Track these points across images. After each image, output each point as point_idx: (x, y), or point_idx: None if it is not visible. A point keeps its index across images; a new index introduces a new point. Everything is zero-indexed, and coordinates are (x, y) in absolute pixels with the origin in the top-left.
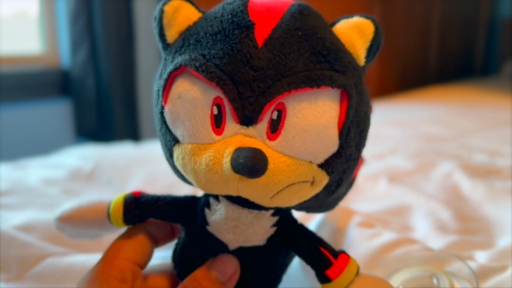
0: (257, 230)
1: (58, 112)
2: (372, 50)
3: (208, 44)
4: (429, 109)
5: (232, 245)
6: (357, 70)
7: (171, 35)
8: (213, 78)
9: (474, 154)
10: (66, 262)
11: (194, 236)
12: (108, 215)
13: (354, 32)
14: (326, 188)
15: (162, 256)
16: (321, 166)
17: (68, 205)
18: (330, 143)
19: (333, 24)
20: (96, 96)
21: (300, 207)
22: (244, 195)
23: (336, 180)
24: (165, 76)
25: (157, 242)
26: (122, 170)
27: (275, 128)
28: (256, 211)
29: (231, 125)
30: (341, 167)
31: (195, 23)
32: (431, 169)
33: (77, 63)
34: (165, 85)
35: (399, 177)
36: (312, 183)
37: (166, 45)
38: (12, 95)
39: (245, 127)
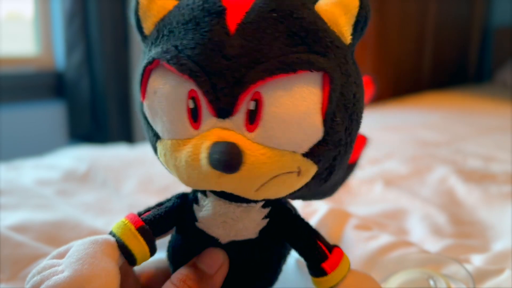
0: (247, 224)
1: (52, 114)
2: (358, 25)
3: (180, 34)
4: (424, 115)
5: (224, 240)
6: (342, 50)
7: (147, 26)
8: (185, 70)
9: (468, 159)
10: None
11: (185, 233)
12: (133, 261)
13: (337, 8)
14: (316, 176)
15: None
16: (306, 155)
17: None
18: (313, 131)
19: (316, 1)
20: (90, 98)
21: (293, 196)
22: (228, 190)
23: (327, 167)
24: (140, 70)
25: None
26: (117, 171)
27: (253, 119)
28: (244, 205)
29: (208, 118)
30: (330, 154)
31: (169, 12)
32: (426, 173)
33: (71, 65)
34: (141, 80)
35: (395, 181)
36: (299, 173)
37: (144, 38)
38: (5, 96)
39: (221, 119)
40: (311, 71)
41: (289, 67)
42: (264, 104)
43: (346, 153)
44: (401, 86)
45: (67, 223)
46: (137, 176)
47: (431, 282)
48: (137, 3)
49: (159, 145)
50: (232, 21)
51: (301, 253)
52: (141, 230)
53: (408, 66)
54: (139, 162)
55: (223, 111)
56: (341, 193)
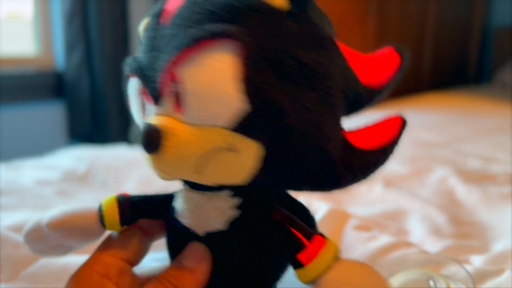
0: (211, 213)
1: (51, 114)
2: None
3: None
4: (424, 116)
5: (199, 231)
6: (263, 14)
7: None
8: (131, 70)
9: (468, 159)
10: (60, 262)
11: (169, 226)
12: (101, 218)
13: None
14: (270, 156)
15: (162, 257)
16: (234, 129)
17: (53, 212)
18: (231, 101)
19: None
20: (90, 98)
21: (264, 182)
22: (170, 174)
23: (279, 144)
24: (125, 84)
25: (151, 235)
26: (117, 171)
27: (179, 100)
28: (208, 193)
29: (149, 108)
30: (268, 125)
31: None
32: (426, 174)
33: (71, 65)
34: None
35: (395, 182)
36: (233, 149)
37: None
38: (5, 96)
39: (156, 106)
40: (217, 40)
41: (192, 41)
42: (182, 83)
43: (305, 124)
44: (401, 86)
45: None
46: (137, 176)
47: (431, 283)
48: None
49: None
50: (165, 16)
51: (277, 244)
52: (118, 198)
53: (408, 67)
54: (139, 163)
55: (155, 98)
56: (341, 193)
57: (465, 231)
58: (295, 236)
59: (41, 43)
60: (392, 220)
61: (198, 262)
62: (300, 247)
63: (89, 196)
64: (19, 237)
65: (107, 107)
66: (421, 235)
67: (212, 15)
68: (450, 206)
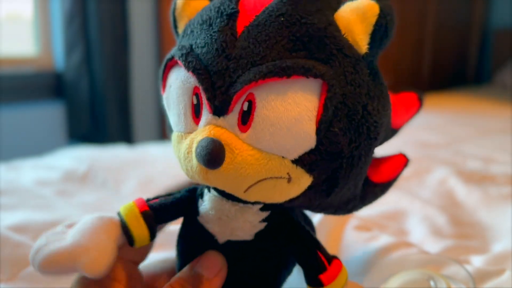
0: (241, 224)
1: (51, 115)
2: (376, 35)
3: (196, 34)
4: (423, 117)
5: (221, 238)
6: (351, 58)
7: (181, 26)
8: (189, 67)
9: (468, 160)
10: None
11: (187, 226)
12: (132, 242)
13: (354, 16)
14: (314, 188)
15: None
16: (296, 162)
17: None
18: (304, 138)
19: (338, 8)
20: (89, 98)
21: (293, 205)
22: (217, 186)
23: (325, 179)
24: (162, 65)
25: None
26: (117, 171)
27: (245, 119)
28: (240, 204)
29: (206, 115)
30: (326, 165)
31: (197, 13)
32: (426, 174)
33: (71, 66)
34: (162, 74)
35: (395, 182)
36: (289, 180)
37: (177, 37)
38: (5, 96)
39: (216, 117)
40: (307, 77)
41: (282, 71)
42: (256, 106)
43: (352, 168)
44: (401, 88)
45: None
46: (136, 176)
47: (432, 283)
48: (174, 4)
49: (172, 137)
50: (241, 24)
51: (299, 261)
52: (144, 214)
53: (407, 68)
54: (139, 163)
55: (218, 109)
56: None
57: (465, 232)
58: (320, 259)
59: (40, 43)
60: (392, 220)
61: (216, 272)
62: (323, 269)
63: (89, 196)
64: (19, 237)
65: (107, 107)
66: (421, 236)
67: (303, 47)
68: (450, 206)
